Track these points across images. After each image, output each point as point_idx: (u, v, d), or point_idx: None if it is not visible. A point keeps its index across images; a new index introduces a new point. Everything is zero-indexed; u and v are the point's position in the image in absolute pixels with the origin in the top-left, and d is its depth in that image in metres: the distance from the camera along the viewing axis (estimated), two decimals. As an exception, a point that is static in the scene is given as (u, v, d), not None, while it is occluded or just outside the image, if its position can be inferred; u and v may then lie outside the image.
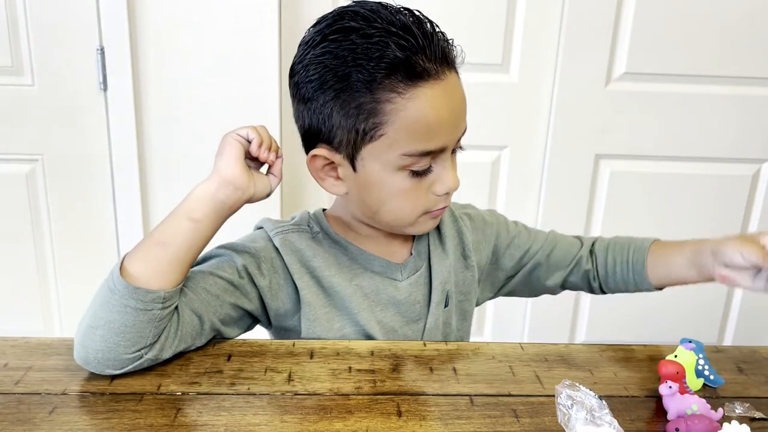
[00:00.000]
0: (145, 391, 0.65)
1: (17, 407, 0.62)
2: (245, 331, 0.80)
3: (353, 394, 0.66)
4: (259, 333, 0.82)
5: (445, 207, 0.77)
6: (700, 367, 0.71)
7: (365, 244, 0.81)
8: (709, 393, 0.71)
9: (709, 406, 0.64)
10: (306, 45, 0.72)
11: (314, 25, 0.72)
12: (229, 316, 0.76)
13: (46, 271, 1.56)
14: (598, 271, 0.92)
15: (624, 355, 0.77)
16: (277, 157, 0.76)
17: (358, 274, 0.80)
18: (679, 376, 0.65)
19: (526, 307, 1.73)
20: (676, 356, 0.69)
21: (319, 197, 1.37)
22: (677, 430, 0.60)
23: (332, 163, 0.74)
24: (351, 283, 0.79)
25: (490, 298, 0.95)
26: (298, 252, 0.79)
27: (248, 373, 0.69)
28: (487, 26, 1.52)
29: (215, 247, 0.78)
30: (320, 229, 0.81)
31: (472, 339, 0.88)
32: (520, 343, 0.78)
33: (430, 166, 0.73)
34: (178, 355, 0.71)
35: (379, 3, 0.71)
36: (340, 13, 0.70)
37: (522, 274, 0.93)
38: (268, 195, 0.75)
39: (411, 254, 0.83)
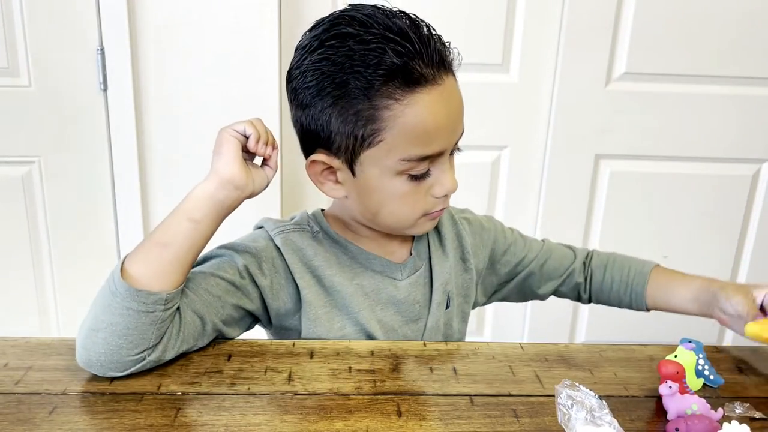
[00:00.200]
0: (146, 391, 0.65)
1: (17, 407, 0.62)
2: (246, 331, 0.80)
3: (353, 394, 0.66)
4: (259, 333, 0.82)
5: (443, 208, 0.77)
6: (700, 367, 0.71)
7: (365, 243, 0.81)
8: (709, 393, 0.71)
9: (709, 406, 0.64)
10: (303, 50, 0.72)
11: (311, 30, 0.72)
12: (230, 317, 0.76)
13: (43, 275, 1.53)
14: (591, 286, 0.94)
15: (624, 355, 0.77)
16: (273, 150, 0.75)
17: (358, 273, 0.80)
18: (679, 376, 0.65)
19: (526, 307, 1.73)
20: (676, 356, 0.69)
21: (319, 197, 1.36)
22: (677, 430, 0.60)
23: (331, 167, 0.74)
24: (352, 282, 0.79)
25: (483, 304, 0.95)
26: (299, 251, 0.79)
27: (248, 373, 0.69)
28: (487, 26, 1.52)
29: (215, 247, 0.78)
30: (320, 228, 0.81)
31: (472, 339, 0.88)
32: (520, 343, 0.78)
33: (429, 169, 0.73)
34: (179, 356, 0.71)
35: (376, 6, 0.70)
36: (336, 18, 0.70)
37: (515, 281, 0.94)
38: (265, 188, 0.75)
39: (410, 254, 0.83)
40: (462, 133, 0.75)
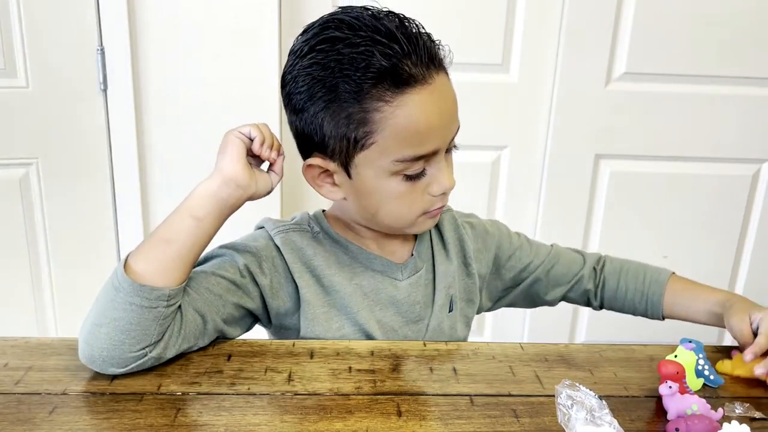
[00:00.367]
0: (146, 391, 0.65)
1: (17, 407, 0.62)
2: (246, 331, 0.80)
3: (353, 394, 0.66)
4: (259, 333, 0.82)
5: (442, 206, 0.77)
6: (700, 367, 0.71)
7: (366, 243, 0.81)
8: (709, 393, 0.71)
9: (709, 406, 0.64)
10: (294, 55, 0.72)
11: (302, 34, 0.72)
12: (231, 316, 0.76)
13: (41, 278, 1.51)
14: (604, 293, 0.93)
15: (624, 355, 0.77)
16: (278, 155, 0.76)
17: (358, 273, 0.80)
18: (679, 376, 0.65)
19: (526, 307, 1.73)
20: (676, 356, 0.69)
21: (319, 198, 1.36)
22: (677, 430, 0.60)
23: (327, 170, 0.75)
24: (351, 282, 0.79)
25: (489, 309, 0.95)
26: (299, 251, 0.79)
27: (248, 373, 0.69)
28: (487, 26, 1.52)
29: (216, 247, 0.78)
30: (320, 229, 0.81)
31: (472, 339, 0.88)
32: (520, 343, 0.78)
33: (424, 168, 0.73)
34: (179, 355, 0.71)
35: (365, 8, 0.70)
36: (325, 22, 0.70)
37: (522, 287, 0.93)
38: (269, 192, 0.75)
39: (412, 255, 0.83)
40: (457, 130, 0.75)
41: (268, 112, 1.41)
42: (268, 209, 1.34)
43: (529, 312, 1.73)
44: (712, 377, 0.72)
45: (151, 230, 0.71)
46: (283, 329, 0.81)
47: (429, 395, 0.67)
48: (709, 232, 1.72)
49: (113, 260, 1.54)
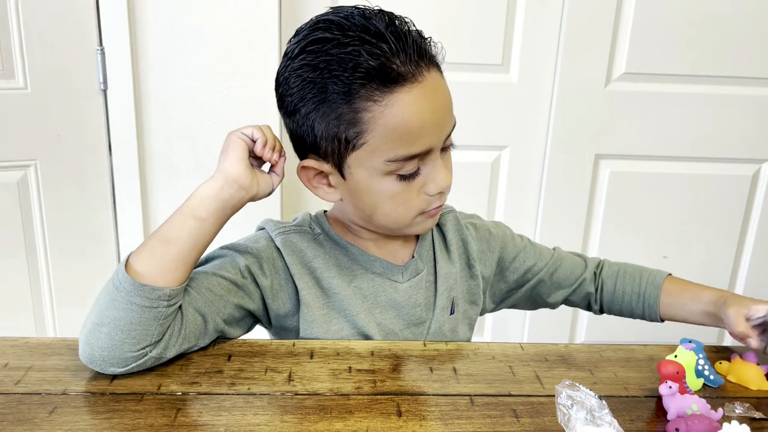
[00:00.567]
0: (146, 391, 0.65)
1: (17, 407, 0.62)
2: (247, 332, 0.80)
3: (353, 394, 0.66)
4: (260, 333, 0.82)
5: (441, 206, 0.77)
6: (700, 367, 0.71)
7: (366, 245, 0.81)
8: (709, 393, 0.71)
9: (709, 406, 0.64)
10: (286, 57, 0.72)
11: (294, 36, 0.72)
12: (232, 316, 0.76)
13: (39, 281, 1.50)
14: (603, 296, 0.93)
15: (624, 355, 0.77)
16: (280, 156, 0.76)
17: (358, 275, 0.80)
18: (679, 376, 0.65)
19: (526, 307, 1.73)
20: (676, 356, 0.69)
21: (320, 199, 1.37)
22: (677, 430, 0.60)
23: (322, 172, 0.74)
24: (350, 284, 0.79)
25: (492, 310, 0.95)
26: (299, 252, 0.79)
27: (248, 373, 0.69)
28: (487, 26, 1.52)
29: (217, 247, 0.79)
30: (321, 230, 0.81)
31: (472, 339, 0.88)
32: (520, 343, 0.78)
33: (419, 168, 0.72)
34: (179, 355, 0.71)
35: (355, 8, 0.70)
36: (315, 23, 0.70)
37: (525, 289, 0.93)
38: (270, 193, 0.75)
39: (413, 257, 0.83)
40: (453, 128, 0.74)
41: (268, 112, 1.40)
42: (269, 210, 1.35)
43: (529, 312, 1.72)
44: (712, 377, 0.72)
45: (151, 231, 0.71)
46: (283, 330, 0.81)
47: (429, 395, 0.67)
48: (709, 232, 1.72)
49: (113, 261, 1.54)
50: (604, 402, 0.57)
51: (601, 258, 0.97)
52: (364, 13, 0.69)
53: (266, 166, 0.77)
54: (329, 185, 0.76)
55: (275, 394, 0.66)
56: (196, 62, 1.43)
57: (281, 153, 0.76)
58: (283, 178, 0.77)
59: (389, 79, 0.67)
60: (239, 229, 0.82)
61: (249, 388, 0.67)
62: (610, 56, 1.55)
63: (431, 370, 0.72)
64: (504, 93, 1.58)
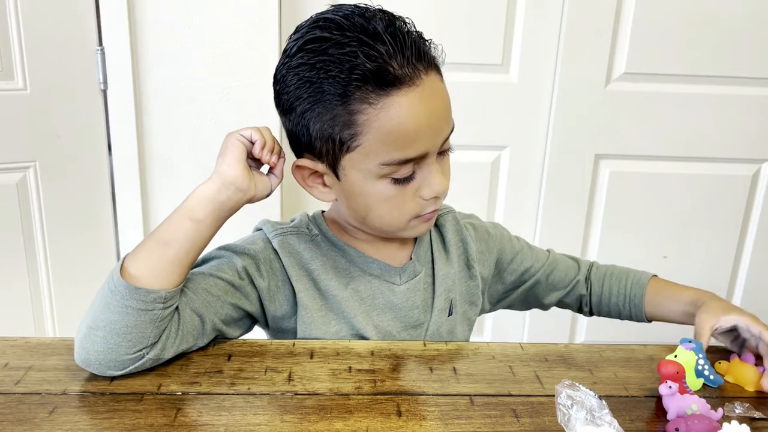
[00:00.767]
0: (146, 390, 0.65)
1: (17, 407, 0.62)
2: (246, 332, 0.80)
3: (353, 394, 0.66)
4: (260, 333, 0.82)
5: (436, 210, 0.76)
6: (699, 367, 0.71)
7: (363, 246, 0.81)
8: (709, 393, 0.71)
9: (709, 406, 0.64)
10: (284, 54, 0.71)
11: (294, 32, 0.71)
12: (229, 316, 0.75)
13: (39, 283, 1.49)
14: (591, 298, 0.95)
15: (624, 355, 0.77)
16: (279, 159, 0.75)
17: (355, 277, 0.80)
18: (679, 376, 0.65)
19: (526, 307, 1.73)
20: (676, 356, 0.69)
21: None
22: (677, 430, 0.60)
23: (317, 171, 0.74)
24: (347, 287, 0.79)
25: (488, 311, 0.95)
26: (296, 254, 0.79)
27: (248, 373, 0.69)
28: (487, 26, 1.52)
29: (214, 248, 0.78)
30: (319, 231, 0.81)
31: (472, 339, 0.88)
32: (520, 343, 0.78)
33: (414, 172, 0.71)
34: (179, 355, 0.71)
35: (356, 7, 0.69)
36: (315, 21, 0.69)
37: (521, 290, 0.94)
38: (268, 195, 0.75)
39: (410, 258, 0.83)
40: (451, 132, 0.73)
41: (268, 112, 1.40)
42: (267, 210, 1.35)
43: (529, 312, 1.72)
44: (712, 377, 0.72)
45: (151, 231, 0.70)
46: (280, 332, 0.81)
47: (429, 395, 0.67)
48: (709, 232, 1.72)
49: (113, 262, 1.53)
50: (604, 402, 0.57)
51: (592, 261, 0.98)
52: (364, 13, 0.68)
53: (265, 168, 0.76)
54: (324, 185, 0.76)
55: (275, 394, 0.66)
56: (196, 62, 1.43)
57: (280, 155, 0.76)
58: (281, 180, 0.77)
59: (386, 82, 0.66)
60: (238, 229, 0.82)
61: (249, 388, 0.67)
62: (610, 56, 1.55)
63: (431, 370, 0.72)
64: (504, 93, 1.58)
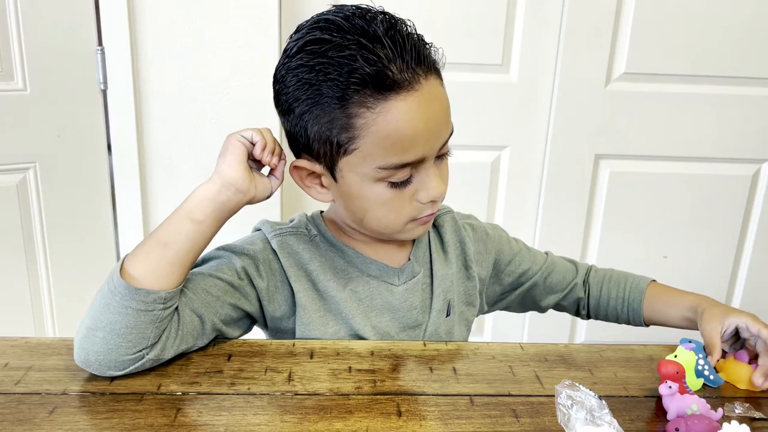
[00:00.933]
0: (146, 390, 0.65)
1: (17, 407, 0.62)
2: (246, 332, 0.80)
3: (353, 394, 0.66)
4: (259, 333, 0.82)
5: (433, 213, 0.76)
6: (699, 367, 0.71)
7: (361, 247, 0.81)
8: (709, 393, 0.71)
9: (709, 406, 0.64)
10: (284, 55, 0.71)
11: (295, 32, 0.71)
12: (229, 316, 0.76)
13: (39, 284, 1.49)
14: (589, 302, 0.95)
15: (624, 355, 0.77)
16: (279, 160, 0.75)
17: (353, 278, 0.80)
18: (678, 376, 0.65)
19: (526, 307, 1.73)
20: (675, 356, 0.69)
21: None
22: (677, 430, 0.60)
23: (314, 172, 0.74)
24: (345, 288, 0.79)
25: (485, 312, 0.95)
26: (295, 255, 0.79)
27: (248, 373, 0.69)
28: (487, 26, 1.52)
29: (213, 248, 0.78)
30: (318, 232, 0.81)
31: (472, 339, 0.88)
32: (520, 343, 0.78)
33: (411, 175, 0.71)
34: (179, 355, 0.71)
35: (357, 8, 0.69)
36: (315, 22, 0.69)
37: (519, 292, 0.94)
38: (268, 197, 0.75)
39: (409, 259, 0.83)
40: (450, 136, 0.73)
41: (269, 113, 1.40)
42: (267, 211, 1.35)
43: (529, 312, 1.72)
44: (712, 377, 0.72)
45: (151, 231, 0.70)
46: (279, 332, 0.80)
47: (429, 395, 0.67)
48: (709, 233, 1.72)
49: (113, 262, 1.53)
50: (604, 402, 0.57)
51: (590, 264, 0.98)
52: (365, 15, 0.67)
53: (266, 170, 0.76)
54: (321, 186, 0.76)
55: (275, 394, 0.66)
56: (196, 62, 1.43)
57: (281, 156, 0.75)
58: (282, 181, 0.76)
59: (384, 86, 0.66)
60: (238, 230, 0.82)
61: (249, 388, 0.67)
62: (609, 56, 1.55)
63: (431, 370, 0.72)
64: (504, 93, 1.58)
